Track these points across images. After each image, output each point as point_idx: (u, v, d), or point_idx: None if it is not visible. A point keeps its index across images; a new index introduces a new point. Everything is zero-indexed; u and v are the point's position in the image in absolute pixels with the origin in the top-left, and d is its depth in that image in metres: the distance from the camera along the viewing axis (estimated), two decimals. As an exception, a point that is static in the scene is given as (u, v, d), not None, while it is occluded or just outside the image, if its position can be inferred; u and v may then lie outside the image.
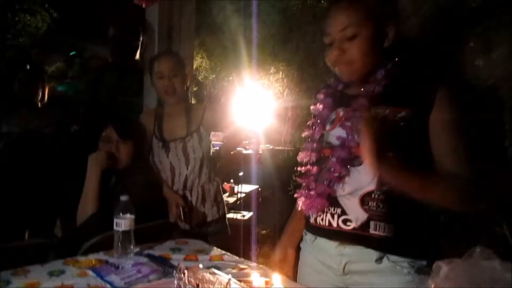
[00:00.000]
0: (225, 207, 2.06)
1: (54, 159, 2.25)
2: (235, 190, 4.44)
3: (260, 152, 6.83)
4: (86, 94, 2.45)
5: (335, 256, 1.12)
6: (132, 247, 1.39)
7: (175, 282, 0.99)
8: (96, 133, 1.84)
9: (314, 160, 1.17)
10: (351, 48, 1.07)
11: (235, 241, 2.20)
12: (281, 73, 3.52)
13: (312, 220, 1.18)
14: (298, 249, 1.32)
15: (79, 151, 2.23)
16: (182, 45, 2.27)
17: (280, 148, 5.77)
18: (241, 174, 4.38)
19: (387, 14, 1.11)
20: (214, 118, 1.99)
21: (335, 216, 1.10)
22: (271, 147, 6.56)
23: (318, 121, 1.18)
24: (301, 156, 1.19)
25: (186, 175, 1.90)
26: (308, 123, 1.22)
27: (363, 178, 1.06)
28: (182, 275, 0.97)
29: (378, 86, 1.08)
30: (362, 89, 1.11)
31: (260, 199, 5.04)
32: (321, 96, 1.21)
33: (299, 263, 1.29)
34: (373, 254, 1.06)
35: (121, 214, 1.37)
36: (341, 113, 1.14)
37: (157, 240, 1.68)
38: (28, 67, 2.77)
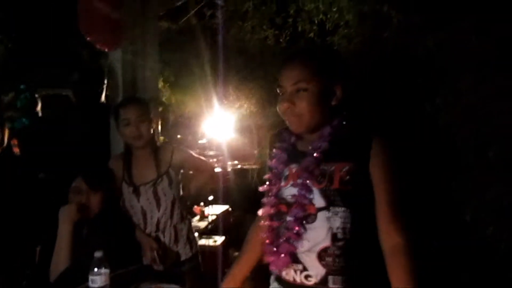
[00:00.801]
0: (197, 244, 2.10)
1: (22, 207, 2.21)
2: (205, 213, 4.44)
3: (229, 170, 6.89)
4: (50, 136, 2.42)
5: None
6: (108, 301, 1.42)
7: None
8: (64, 181, 1.85)
9: (274, 214, 1.23)
10: (301, 101, 1.15)
11: (208, 270, 2.23)
12: (245, 106, 3.63)
13: (278, 273, 1.24)
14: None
15: (47, 199, 2.22)
16: (148, 86, 2.31)
17: (247, 166, 5.87)
18: (211, 198, 4.39)
19: (336, 74, 1.20)
20: (183, 158, 2.04)
21: (298, 272, 1.16)
22: (239, 166, 6.64)
23: (274, 176, 1.25)
24: (262, 212, 1.25)
25: (158, 218, 1.94)
26: (265, 177, 1.28)
27: (318, 234, 1.13)
28: None
29: (324, 143, 1.16)
30: (310, 147, 1.19)
31: (231, 220, 5.07)
32: (276, 151, 1.27)
33: None
34: None
35: (96, 270, 1.40)
36: (294, 170, 1.21)
37: (132, 283, 1.72)
38: None
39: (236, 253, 4.47)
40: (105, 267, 1.41)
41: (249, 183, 4.81)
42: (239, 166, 6.50)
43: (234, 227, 4.84)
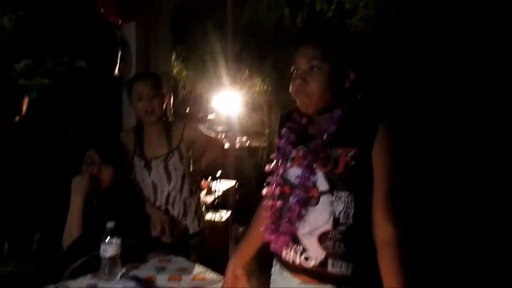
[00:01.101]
0: (205, 220, 2.15)
1: (35, 177, 2.27)
2: (213, 188, 4.50)
3: (237, 147, 6.93)
4: (65, 106, 2.45)
5: None
6: (119, 269, 1.47)
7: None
8: (77, 152, 1.89)
9: (278, 194, 1.25)
10: (313, 80, 1.15)
11: (214, 244, 2.29)
12: (257, 85, 3.62)
13: (279, 254, 1.27)
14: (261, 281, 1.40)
15: (59, 170, 2.27)
16: (160, 61, 2.31)
17: (256, 144, 5.89)
18: (218, 173, 4.43)
19: (352, 58, 1.20)
20: (194, 135, 2.06)
21: (298, 253, 1.18)
22: (248, 142, 6.66)
23: (281, 156, 1.26)
24: (266, 191, 1.27)
25: (168, 192, 1.98)
26: (272, 156, 1.29)
27: (319, 218, 1.14)
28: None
29: (333, 126, 1.17)
30: (319, 129, 1.19)
31: (237, 196, 5.13)
32: (285, 131, 1.27)
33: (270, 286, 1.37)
34: None
35: (107, 240, 1.45)
36: (300, 152, 1.21)
37: (141, 255, 1.79)
38: None
39: (241, 229, 4.58)
40: (116, 238, 1.46)
41: (257, 161, 4.83)
42: (247, 143, 6.54)
43: (240, 203, 4.91)
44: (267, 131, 4.11)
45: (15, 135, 2.31)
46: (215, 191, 4.44)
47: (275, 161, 1.27)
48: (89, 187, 1.74)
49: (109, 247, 1.44)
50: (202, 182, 4.42)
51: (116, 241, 1.46)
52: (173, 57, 3.35)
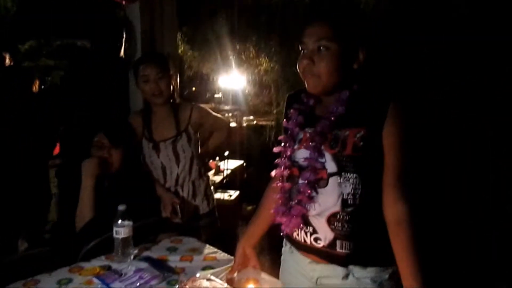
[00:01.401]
0: (214, 200, 2.17)
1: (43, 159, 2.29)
2: (221, 168, 4.53)
3: (244, 125, 6.93)
4: (72, 87, 2.45)
5: (309, 271, 1.24)
6: (131, 251, 1.50)
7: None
8: (86, 135, 1.90)
9: (286, 176, 1.24)
10: (321, 60, 1.12)
11: (223, 223, 2.31)
12: (264, 64, 3.57)
13: (290, 234, 1.28)
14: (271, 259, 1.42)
15: (69, 153, 2.29)
16: (166, 42, 2.29)
17: (263, 123, 5.89)
18: (226, 153, 4.45)
19: (361, 37, 1.17)
20: (202, 117, 2.06)
21: (308, 234, 1.19)
22: (255, 121, 6.66)
23: (288, 138, 1.25)
24: (275, 173, 1.26)
25: (177, 174, 1.99)
26: (280, 138, 1.28)
27: (328, 199, 1.14)
28: (184, 290, 1.09)
29: (340, 107, 1.15)
30: (326, 110, 1.18)
31: (245, 175, 5.17)
32: (292, 112, 1.26)
33: (280, 267, 1.40)
34: (340, 270, 1.17)
35: (119, 222, 1.47)
36: (308, 134, 1.20)
37: (152, 235, 1.82)
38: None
39: (249, 207, 4.63)
40: (128, 220, 1.48)
41: (264, 140, 4.83)
42: (255, 122, 6.53)
43: (248, 182, 4.96)
44: (274, 111, 4.08)
45: (24, 116, 2.33)
46: (223, 170, 4.47)
47: (282, 143, 1.26)
48: (99, 170, 1.76)
49: (121, 230, 1.46)
50: (210, 162, 4.45)
51: (128, 223, 1.48)
52: (179, 37, 3.30)
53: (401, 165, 1.11)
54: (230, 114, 7.64)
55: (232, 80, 5.81)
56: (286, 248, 1.36)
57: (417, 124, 1.15)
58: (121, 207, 1.48)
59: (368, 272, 1.16)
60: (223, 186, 4.18)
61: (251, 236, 1.41)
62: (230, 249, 1.79)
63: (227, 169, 4.49)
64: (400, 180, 1.11)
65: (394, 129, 1.10)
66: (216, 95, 8.63)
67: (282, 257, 1.40)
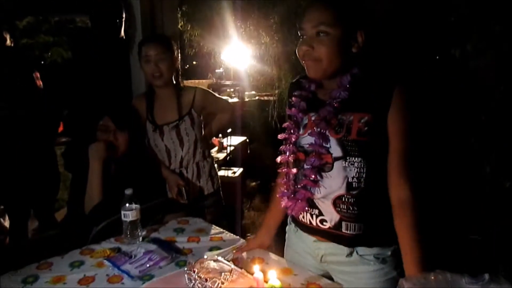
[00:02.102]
0: (219, 181, 2.20)
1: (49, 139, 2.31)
2: (224, 144, 4.54)
3: (246, 100, 6.90)
4: (73, 70, 2.44)
5: (313, 249, 1.29)
6: (139, 233, 1.55)
7: (186, 277, 1.16)
8: (90, 118, 1.92)
9: (292, 161, 1.27)
10: (320, 45, 1.13)
11: (227, 200, 2.35)
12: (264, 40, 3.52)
13: (295, 216, 1.32)
14: (276, 236, 1.46)
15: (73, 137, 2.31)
16: (166, 21, 2.26)
17: (265, 98, 5.85)
18: (229, 130, 4.45)
19: (360, 20, 1.16)
20: (205, 99, 2.06)
21: (314, 216, 1.24)
22: (257, 97, 6.62)
23: (293, 124, 1.27)
24: (280, 159, 1.28)
25: (182, 156, 2.02)
26: (284, 125, 1.30)
27: (334, 183, 1.17)
28: (193, 272, 1.14)
29: (343, 92, 1.16)
30: (329, 95, 1.19)
31: (248, 151, 5.19)
32: (296, 99, 1.27)
33: (285, 244, 1.45)
34: (344, 249, 1.22)
35: (127, 205, 1.51)
36: (312, 119, 1.22)
37: (159, 215, 1.86)
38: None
39: (253, 183, 4.67)
40: (135, 203, 1.52)
41: (266, 115, 4.82)
42: (257, 97, 6.50)
43: (251, 158, 4.99)
44: (276, 84, 4.05)
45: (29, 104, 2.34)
46: (227, 147, 4.48)
47: (287, 129, 1.28)
48: (106, 154, 1.78)
49: (129, 213, 1.50)
50: (213, 139, 4.45)
51: (136, 206, 1.51)
52: (178, 16, 3.25)
53: (406, 150, 1.13)
54: (232, 90, 7.61)
55: (234, 55, 5.75)
56: (291, 226, 1.40)
57: (422, 108, 1.15)
58: (128, 191, 1.51)
59: (371, 250, 1.20)
60: (226, 163, 4.20)
61: (268, 230, 1.46)
62: (235, 227, 1.83)
63: (230, 146, 4.50)
64: (405, 164, 1.13)
65: (399, 114, 1.12)
66: (217, 70, 8.55)
67: (286, 235, 1.44)
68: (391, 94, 1.12)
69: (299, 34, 1.19)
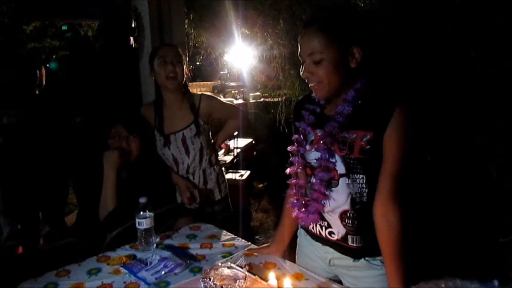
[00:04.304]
0: (227, 187, 2.22)
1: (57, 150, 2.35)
2: (231, 147, 4.56)
3: (251, 101, 6.92)
4: (82, 78, 2.48)
5: (322, 253, 1.35)
6: (153, 240, 1.58)
7: (202, 285, 1.20)
8: (101, 125, 1.95)
9: (301, 174, 1.31)
10: (318, 71, 1.18)
11: (235, 203, 2.37)
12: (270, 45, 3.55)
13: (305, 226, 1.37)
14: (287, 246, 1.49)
15: (85, 143, 2.35)
16: (174, 30, 2.30)
17: (271, 99, 5.87)
18: (236, 132, 4.47)
19: (353, 36, 1.18)
20: (211, 106, 2.08)
21: (323, 228, 1.30)
22: (262, 98, 6.64)
23: (301, 138, 1.31)
24: (289, 170, 1.32)
25: (188, 164, 2.05)
26: (293, 138, 1.33)
27: (340, 198, 1.22)
28: (208, 279, 1.17)
29: (347, 108, 1.19)
30: (334, 110, 1.22)
31: (255, 153, 5.22)
32: (304, 112, 1.31)
33: (297, 247, 1.49)
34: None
35: (141, 213, 1.55)
36: (319, 135, 1.26)
37: (171, 220, 1.89)
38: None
39: (260, 185, 4.68)
40: (149, 211, 1.56)
41: (272, 117, 4.84)
42: (262, 99, 6.52)
43: (258, 160, 5.01)
44: (282, 88, 4.08)
45: (38, 109, 2.36)
46: (233, 149, 4.50)
47: (296, 142, 1.32)
48: (120, 161, 1.81)
49: (144, 221, 1.54)
50: (220, 142, 4.46)
51: (150, 214, 1.55)
52: (186, 24, 3.29)
53: (397, 173, 1.15)
54: (236, 91, 7.64)
55: (238, 57, 5.77)
56: (301, 231, 1.46)
57: (421, 129, 1.18)
58: (143, 200, 1.55)
59: (377, 257, 1.24)
60: (234, 165, 4.23)
61: (282, 242, 1.48)
62: (244, 232, 1.87)
63: (236, 148, 4.52)
64: (395, 188, 1.15)
65: (395, 134, 1.13)
66: (222, 72, 8.58)
67: (298, 239, 1.50)
68: (392, 112, 1.13)
69: (301, 61, 1.23)
